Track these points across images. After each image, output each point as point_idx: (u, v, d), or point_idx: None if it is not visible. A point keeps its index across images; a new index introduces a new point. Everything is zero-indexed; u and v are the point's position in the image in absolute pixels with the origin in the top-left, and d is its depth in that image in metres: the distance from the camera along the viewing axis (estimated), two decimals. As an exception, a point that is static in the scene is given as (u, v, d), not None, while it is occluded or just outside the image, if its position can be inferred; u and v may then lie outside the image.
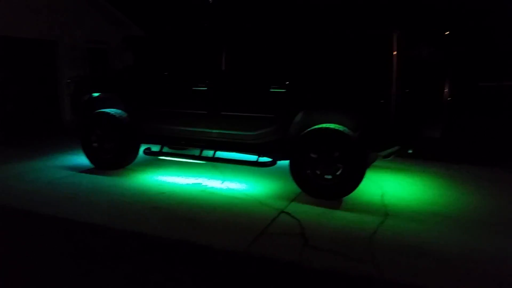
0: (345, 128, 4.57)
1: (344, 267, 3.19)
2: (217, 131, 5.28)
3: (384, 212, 4.39)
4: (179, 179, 5.54)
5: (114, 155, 5.82)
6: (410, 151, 5.09)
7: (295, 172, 4.82)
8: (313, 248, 3.50)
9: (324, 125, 4.63)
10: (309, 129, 4.71)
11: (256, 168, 5.59)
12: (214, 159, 5.47)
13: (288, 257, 3.32)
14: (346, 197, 4.77)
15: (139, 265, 3.20)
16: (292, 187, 5.03)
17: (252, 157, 5.30)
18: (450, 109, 4.87)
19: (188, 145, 5.69)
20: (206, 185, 5.27)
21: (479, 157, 7.16)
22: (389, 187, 5.32)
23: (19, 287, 2.90)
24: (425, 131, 4.82)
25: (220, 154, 5.78)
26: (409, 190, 5.21)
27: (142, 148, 5.93)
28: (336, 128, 4.56)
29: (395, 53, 4.43)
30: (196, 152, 5.67)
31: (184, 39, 5.71)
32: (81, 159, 6.30)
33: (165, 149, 5.98)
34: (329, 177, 4.66)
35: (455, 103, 5.38)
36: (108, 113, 5.73)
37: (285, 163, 5.04)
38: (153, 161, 6.44)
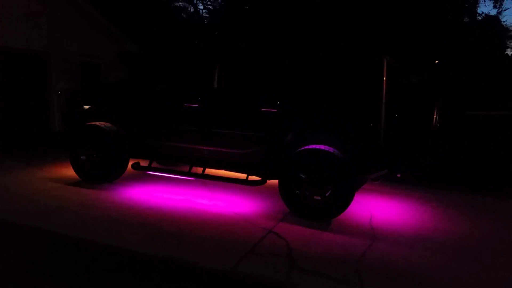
0: (335, 150, 4.59)
1: (330, 289, 3.17)
2: (208, 148, 5.27)
3: (372, 235, 4.39)
4: (167, 195, 5.48)
5: (102, 169, 5.76)
6: (398, 175, 5.13)
7: (284, 192, 4.80)
8: (300, 269, 3.47)
9: (314, 146, 4.65)
10: (299, 150, 4.72)
11: (245, 187, 5.57)
12: (203, 176, 5.44)
13: (274, 278, 3.29)
14: (335, 218, 4.77)
15: (121, 282, 3.14)
16: (280, 206, 5.01)
17: (242, 176, 5.29)
18: (439, 135, 4.94)
19: (177, 161, 5.66)
20: (195, 202, 5.22)
21: (467, 184, 7.22)
22: (377, 210, 5.32)
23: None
24: (414, 156, 4.86)
25: (210, 171, 5.76)
26: (397, 214, 5.22)
27: (131, 162, 5.88)
28: (326, 149, 4.58)
29: (385, 78, 4.51)
30: (185, 168, 5.64)
31: (177, 56, 5.75)
32: (69, 172, 6.22)
33: (154, 165, 5.94)
34: (318, 198, 4.66)
35: (444, 130, 5.44)
36: (97, 126, 5.69)
37: (274, 182, 5.03)
38: (142, 176, 6.38)
